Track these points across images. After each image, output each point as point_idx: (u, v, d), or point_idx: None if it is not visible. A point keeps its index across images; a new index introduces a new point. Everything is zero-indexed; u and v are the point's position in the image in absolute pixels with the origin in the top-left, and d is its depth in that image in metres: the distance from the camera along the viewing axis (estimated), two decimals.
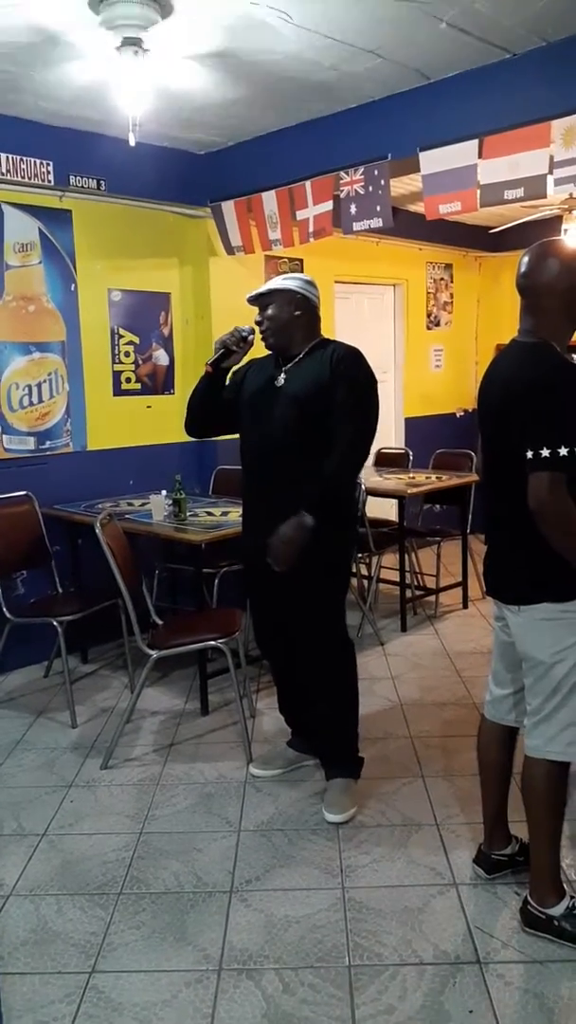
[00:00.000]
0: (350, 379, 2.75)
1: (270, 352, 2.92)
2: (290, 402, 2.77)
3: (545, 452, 1.95)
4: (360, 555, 4.75)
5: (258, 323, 2.85)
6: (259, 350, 2.97)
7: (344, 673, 2.97)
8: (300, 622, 2.90)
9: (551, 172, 3.44)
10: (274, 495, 2.79)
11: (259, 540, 2.86)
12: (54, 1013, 2.04)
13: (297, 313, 2.80)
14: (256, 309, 2.87)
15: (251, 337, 2.93)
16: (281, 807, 2.97)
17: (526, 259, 2.13)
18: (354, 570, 4.61)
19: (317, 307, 2.88)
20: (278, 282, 2.84)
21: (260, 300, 2.85)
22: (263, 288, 2.86)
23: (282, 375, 2.83)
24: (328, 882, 2.53)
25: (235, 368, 3.03)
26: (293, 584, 2.80)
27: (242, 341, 2.93)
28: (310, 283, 2.86)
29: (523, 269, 2.13)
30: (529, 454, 1.98)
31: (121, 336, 4.84)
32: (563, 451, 1.94)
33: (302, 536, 2.67)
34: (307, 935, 2.29)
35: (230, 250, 4.92)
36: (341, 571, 2.96)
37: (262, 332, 2.85)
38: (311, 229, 4.39)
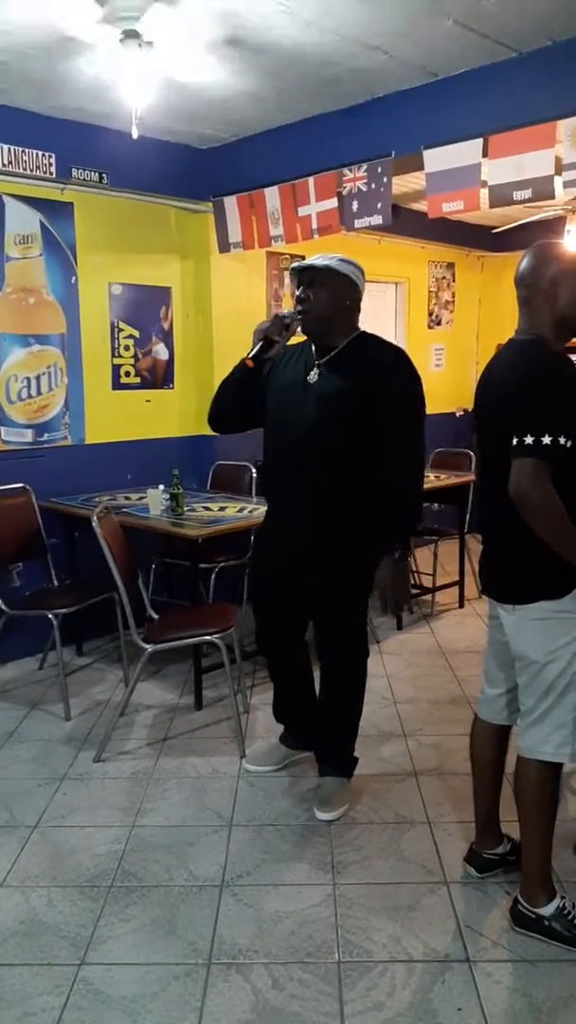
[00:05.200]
0: (407, 395, 2.58)
1: (304, 338, 2.69)
2: (325, 403, 2.57)
3: (528, 439, 1.95)
4: None
5: (301, 300, 2.55)
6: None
7: (357, 674, 2.91)
8: (328, 621, 2.84)
9: (558, 173, 3.43)
10: (305, 498, 2.67)
11: (286, 542, 2.76)
12: (42, 1005, 2.04)
13: (347, 303, 2.57)
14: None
15: (294, 324, 2.61)
16: (273, 802, 2.97)
17: (527, 258, 2.15)
18: None
19: (361, 297, 2.65)
20: (335, 262, 2.52)
21: (309, 274, 2.53)
22: (319, 261, 2.51)
23: (315, 371, 2.60)
24: (319, 878, 2.53)
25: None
26: (326, 584, 2.75)
27: (284, 329, 2.62)
28: (361, 270, 2.61)
29: (523, 267, 2.15)
30: (514, 440, 1.98)
31: (121, 330, 4.83)
32: (546, 439, 1.94)
33: (402, 570, 2.73)
34: (297, 930, 2.29)
35: (226, 247, 4.88)
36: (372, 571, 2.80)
37: (303, 314, 2.57)
38: (315, 226, 4.38)
